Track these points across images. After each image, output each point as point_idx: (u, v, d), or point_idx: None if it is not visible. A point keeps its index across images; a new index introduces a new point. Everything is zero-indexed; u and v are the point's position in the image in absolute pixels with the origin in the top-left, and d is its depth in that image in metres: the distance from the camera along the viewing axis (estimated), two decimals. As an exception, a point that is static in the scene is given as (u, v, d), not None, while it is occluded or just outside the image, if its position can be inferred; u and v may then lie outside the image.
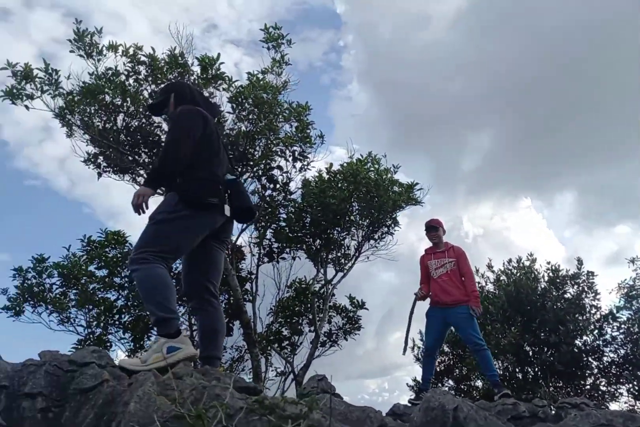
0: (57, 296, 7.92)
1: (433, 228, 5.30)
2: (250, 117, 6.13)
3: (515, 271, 10.52)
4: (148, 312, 2.80)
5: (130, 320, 8.13)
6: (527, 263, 10.54)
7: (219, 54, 6.22)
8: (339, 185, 7.01)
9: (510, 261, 10.76)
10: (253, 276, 8.24)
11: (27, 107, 6.13)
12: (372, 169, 6.92)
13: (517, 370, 9.72)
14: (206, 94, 6.62)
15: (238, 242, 7.96)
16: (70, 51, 6.32)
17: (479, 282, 10.61)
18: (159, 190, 3.00)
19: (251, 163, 6.67)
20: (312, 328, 8.16)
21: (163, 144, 2.91)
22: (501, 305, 9.60)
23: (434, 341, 5.02)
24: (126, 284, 8.02)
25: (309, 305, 8.25)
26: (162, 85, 3.35)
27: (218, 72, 6.26)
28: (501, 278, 10.54)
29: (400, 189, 6.87)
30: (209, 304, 2.90)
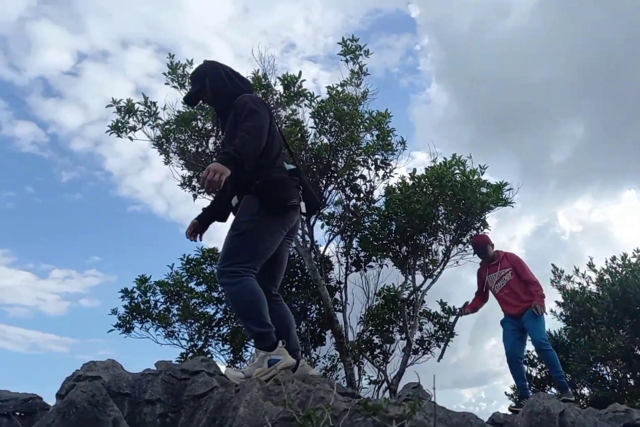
0: (162, 311, 8.44)
1: (481, 251, 5.30)
2: (332, 130, 6.36)
3: (621, 269, 9.90)
4: (243, 327, 2.83)
5: (228, 332, 8.50)
6: (633, 260, 9.90)
7: (300, 72, 6.52)
8: (424, 190, 7.03)
9: (614, 258, 10.11)
10: (342, 286, 8.38)
11: (130, 138, 6.74)
12: (457, 171, 6.89)
13: (628, 376, 9.14)
14: (289, 112, 6.94)
15: (326, 253, 8.15)
16: (165, 84, 6.87)
17: (579, 284, 10.16)
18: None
19: (335, 175, 6.88)
20: (403, 336, 8.15)
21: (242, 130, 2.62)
22: (606, 306, 9.05)
23: (511, 348, 4.98)
24: (223, 298, 8.40)
25: (398, 312, 8.25)
26: (193, 70, 3.13)
27: (300, 90, 6.57)
28: (605, 277, 9.93)
29: (489, 190, 6.78)
30: (274, 303, 2.86)
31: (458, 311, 5.31)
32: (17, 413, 5.74)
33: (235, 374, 2.78)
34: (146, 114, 6.76)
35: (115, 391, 2.82)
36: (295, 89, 6.57)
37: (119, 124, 6.61)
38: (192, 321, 8.44)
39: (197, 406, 2.77)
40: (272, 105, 6.99)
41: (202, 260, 8.72)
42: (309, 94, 6.64)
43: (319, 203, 3.12)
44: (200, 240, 3.23)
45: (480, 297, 5.36)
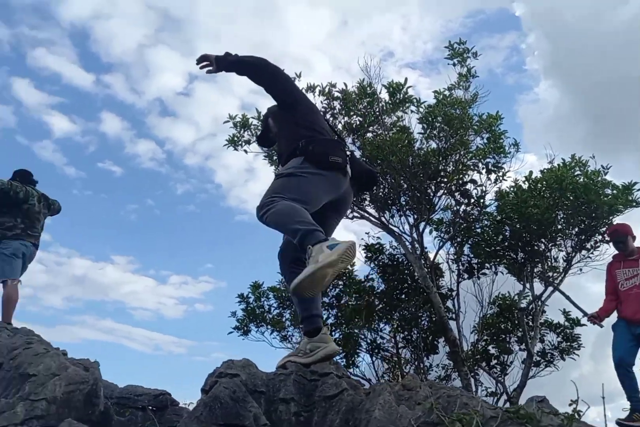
0: (275, 316, 8.78)
1: (618, 242, 4.70)
2: (441, 134, 6.30)
3: None
4: (291, 235, 2.42)
5: (340, 337, 8.63)
6: None
7: (406, 79, 6.57)
8: (541, 193, 6.71)
9: None
10: (454, 293, 8.20)
11: (245, 151, 7.18)
12: (578, 172, 6.49)
13: None
14: (395, 118, 6.99)
15: (436, 260, 8.04)
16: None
17: None
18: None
19: (444, 180, 6.79)
20: (522, 346, 7.78)
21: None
22: None
23: (622, 353, 4.40)
24: (334, 303, 8.56)
25: (516, 322, 7.90)
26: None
27: (406, 96, 6.60)
28: None
29: (614, 191, 6.30)
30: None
31: (588, 320, 4.78)
32: (150, 407, 6.24)
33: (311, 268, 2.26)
34: (259, 128, 7.15)
35: (251, 389, 3.01)
36: (401, 95, 6.60)
37: (235, 138, 7.05)
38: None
39: (328, 406, 2.87)
40: (377, 113, 7.08)
41: (311, 266, 8.97)
42: (415, 100, 6.65)
43: (375, 177, 2.99)
44: None
45: (612, 298, 4.72)
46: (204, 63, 2.89)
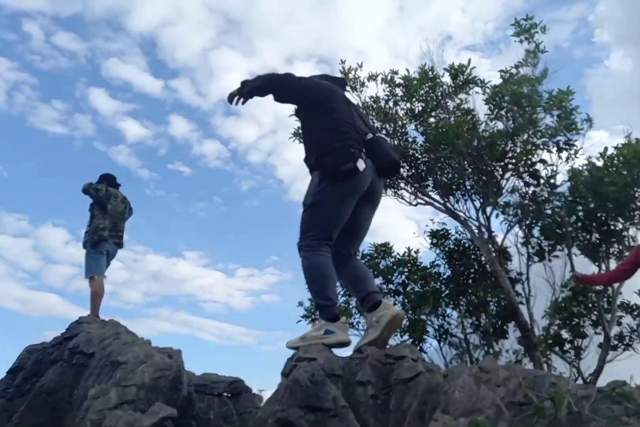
0: (342, 304, 8.88)
1: None
2: (509, 114, 6.10)
3: None
4: (312, 296, 3.02)
5: (407, 324, 8.62)
6: None
7: (469, 60, 6.39)
8: (617, 170, 6.37)
9: None
10: (523, 277, 7.99)
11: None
12: (659, 146, 6.09)
13: None
14: (457, 102, 6.83)
15: (504, 244, 7.84)
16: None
17: None
18: None
19: (512, 161, 6.58)
20: (598, 330, 7.49)
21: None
22: None
23: None
24: (401, 290, 8.55)
25: (589, 305, 7.60)
26: None
27: (469, 78, 6.43)
28: None
29: (700, 167, 5.89)
30: (351, 260, 3.05)
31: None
32: (225, 394, 6.50)
33: (294, 340, 2.98)
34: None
35: (329, 372, 3.09)
36: (464, 77, 6.43)
37: (300, 131, 7.13)
38: (370, 313, 8.72)
39: (405, 389, 2.90)
40: (440, 97, 6.94)
41: (375, 255, 8.98)
42: (479, 81, 6.45)
43: (397, 164, 3.11)
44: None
45: (623, 268, 4.39)
46: (234, 99, 3.05)
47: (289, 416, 2.69)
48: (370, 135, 2.99)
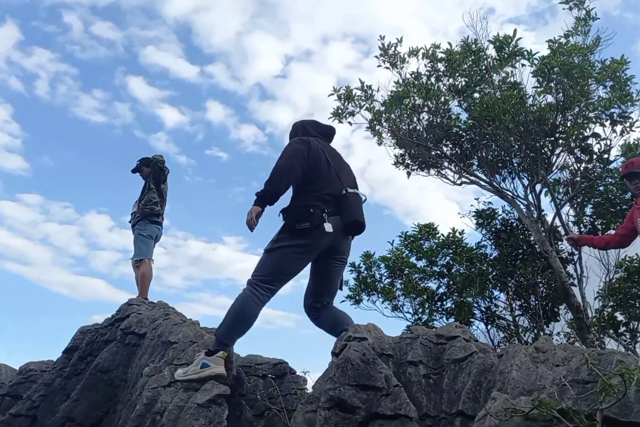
0: (386, 286, 8.82)
1: (633, 175, 3.96)
2: (558, 87, 5.81)
3: None
4: (218, 328, 3.25)
5: (452, 306, 8.50)
6: None
7: (515, 31, 6.09)
8: (677, 141, 5.99)
9: None
10: (575, 257, 7.71)
11: (350, 123, 7.16)
12: None
13: None
14: (503, 75, 6.57)
15: (554, 223, 7.57)
16: (378, 66, 7.12)
17: None
18: None
19: (563, 136, 6.29)
20: (656, 312, 7.18)
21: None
22: None
23: None
24: (446, 272, 8.41)
25: (647, 286, 7.28)
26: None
27: (515, 49, 6.15)
28: None
29: None
30: (325, 308, 3.36)
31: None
32: (270, 375, 6.55)
33: (179, 372, 3.22)
34: (362, 98, 7.06)
35: (379, 352, 3.05)
36: (510, 49, 6.16)
37: (339, 111, 7.04)
38: (415, 295, 8.65)
39: (458, 369, 2.84)
40: (484, 71, 6.68)
41: (419, 236, 8.85)
42: (525, 53, 6.16)
43: (361, 225, 3.23)
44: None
45: (622, 232, 4.14)
46: (252, 220, 3.17)
47: (341, 395, 2.67)
48: (344, 191, 3.19)
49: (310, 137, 3.39)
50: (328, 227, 3.05)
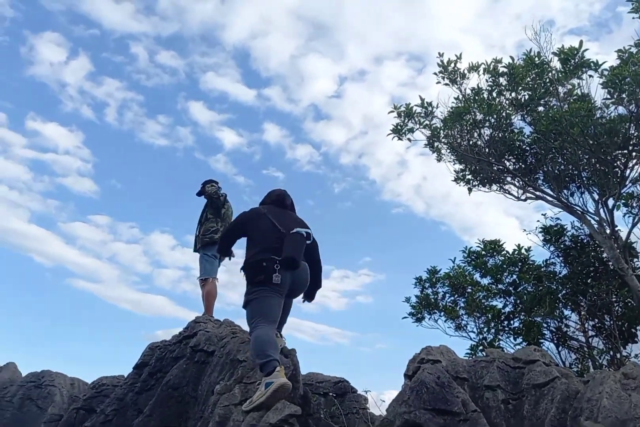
0: (448, 304, 8.59)
1: None
2: (630, 97, 5.55)
3: None
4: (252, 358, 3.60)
5: (521, 326, 8.17)
6: None
7: (581, 42, 5.89)
8: None
9: None
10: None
11: (409, 140, 7.13)
12: None
13: None
14: (569, 87, 6.38)
15: (629, 238, 7.17)
16: (437, 82, 7.08)
17: None
18: None
19: (637, 148, 5.99)
20: None
21: None
22: None
23: None
24: (512, 291, 8.12)
25: None
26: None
27: (582, 60, 5.95)
28: None
29: None
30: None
31: None
32: (331, 394, 6.44)
33: (246, 404, 3.27)
34: (422, 115, 7.02)
35: (453, 375, 2.97)
36: (576, 61, 5.96)
37: (399, 128, 7.03)
38: (479, 314, 8.37)
39: (539, 394, 2.73)
40: (548, 83, 6.49)
41: (483, 252, 8.60)
42: (592, 64, 5.95)
43: (293, 261, 3.70)
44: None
45: None
46: None
47: (417, 418, 2.62)
48: (284, 233, 3.85)
49: (264, 204, 4.35)
50: (276, 279, 3.62)
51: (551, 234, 7.69)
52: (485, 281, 8.40)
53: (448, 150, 7.62)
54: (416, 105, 6.98)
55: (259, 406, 3.12)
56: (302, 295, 4.12)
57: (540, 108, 6.56)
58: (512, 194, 7.66)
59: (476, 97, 6.66)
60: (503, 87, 6.61)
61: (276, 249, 3.76)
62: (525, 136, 7.13)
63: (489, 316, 8.26)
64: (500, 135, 6.98)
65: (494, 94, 6.66)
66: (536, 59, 6.33)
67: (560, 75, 6.20)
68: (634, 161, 6.13)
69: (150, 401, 4.68)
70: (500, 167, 7.44)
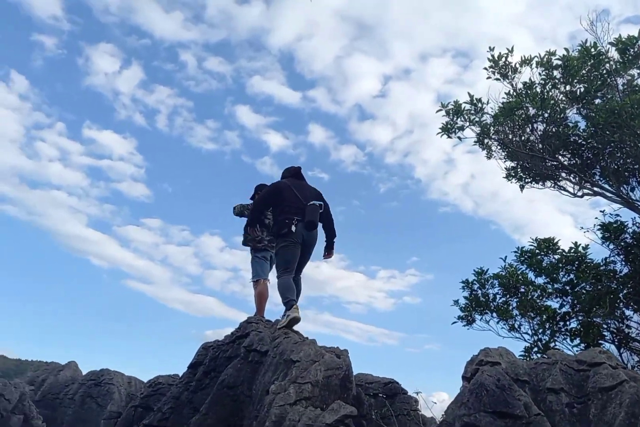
0: (500, 304, 8.35)
1: None
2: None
3: None
4: (282, 298, 5.06)
5: (578, 327, 7.87)
6: None
7: (640, 31, 5.63)
8: None
9: None
10: None
11: (459, 138, 6.98)
12: None
13: None
14: (628, 78, 6.10)
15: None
16: (487, 77, 6.90)
17: None
18: None
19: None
20: None
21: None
22: None
23: None
24: (569, 290, 7.83)
25: None
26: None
27: (642, 50, 5.67)
28: None
29: None
30: (296, 279, 5.29)
31: None
32: (381, 395, 6.38)
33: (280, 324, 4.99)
34: (472, 112, 6.87)
35: (513, 377, 2.89)
36: (635, 50, 5.68)
37: (449, 126, 6.90)
38: (533, 315, 8.11)
39: (607, 398, 2.62)
40: (605, 75, 6.22)
41: (537, 251, 8.32)
42: (654, 53, 5.65)
43: (313, 223, 5.21)
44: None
45: None
46: (254, 231, 5.76)
47: (476, 422, 2.57)
48: (305, 203, 5.22)
49: (284, 179, 5.59)
50: (294, 228, 5.10)
51: (610, 231, 7.35)
52: (539, 281, 8.13)
53: (499, 147, 7.43)
54: (465, 102, 6.83)
55: (285, 326, 4.78)
56: (323, 251, 5.60)
57: (597, 100, 6.29)
58: (567, 191, 7.39)
59: (528, 92, 6.45)
60: (557, 80, 6.36)
61: (297, 213, 5.16)
62: (581, 130, 6.85)
63: (544, 316, 7.98)
64: (554, 130, 6.74)
65: (548, 88, 6.43)
66: (592, 49, 6.07)
67: (618, 66, 5.93)
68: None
69: (206, 399, 4.78)
70: (555, 163, 7.18)
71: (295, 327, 5.03)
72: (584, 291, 7.56)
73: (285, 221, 5.11)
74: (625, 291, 7.34)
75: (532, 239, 8.26)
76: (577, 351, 7.91)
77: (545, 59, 6.35)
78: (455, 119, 6.86)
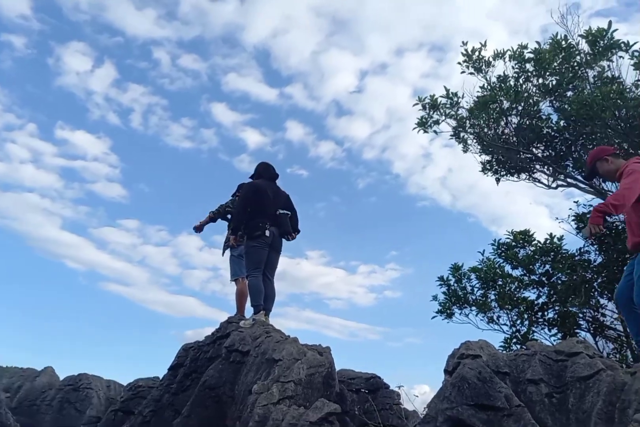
0: (479, 297, 8.44)
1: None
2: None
3: None
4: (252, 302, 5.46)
5: (555, 317, 7.99)
6: None
7: (610, 22, 5.69)
8: None
9: None
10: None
11: (435, 132, 7.01)
12: None
13: None
14: (598, 70, 6.18)
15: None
16: (461, 72, 6.92)
17: None
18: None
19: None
20: None
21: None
22: None
23: (619, 291, 3.81)
24: (545, 281, 7.95)
25: None
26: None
27: (612, 41, 5.75)
28: None
29: None
30: (267, 282, 5.52)
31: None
32: (363, 390, 6.40)
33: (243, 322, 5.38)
34: (448, 106, 6.90)
35: (494, 369, 2.90)
36: (605, 42, 5.77)
37: (424, 120, 6.92)
38: (511, 307, 8.21)
39: (584, 387, 2.66)
40: (576, 67, 6.30)
41: (513, 244, 8.42)
42: (622, 44, 5.74)
43: (286, 234, 5.63)
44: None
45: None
46: (236, 240, 5.68)
47: (459, 414, 2.58)
48: (278, 212, 5.54)
49: (261, 178, 5.70)
50: (267, 233, 5.38)
51: (584, 221, 7.48)
52: (516, 273, 8.23)
53: (474, 141, 7.48)
54: (441, 96, 6.86)
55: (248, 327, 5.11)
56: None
57: (569, 93, 6.37)
58: (542, 182, 7.49)
59: (502, 85, 6.50)
60: (530, 73, 6.43)
61: (270, 219, 5.45)
62: (554, 123, 6.94)
63: (522, 307, 8.09)
64: (528, 122, 6.81)
65: (521, 81, 6.49)
66: (563, 42, 6.15)
67: (589, 58, 6.02)
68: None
69: (188, 401, 4.71)
70: (529, 155, 7.27)
71: (277, 326, 4.99)
72: (560, 282, 7.69)
73: (259, 224, 5.38)
74: (599, 280, 7.48)
75: (508, 232, 8.36)
76: (554, 340, 8.05)
77: (517, 53, 6.42)
78: (431, 113, 6.88)
